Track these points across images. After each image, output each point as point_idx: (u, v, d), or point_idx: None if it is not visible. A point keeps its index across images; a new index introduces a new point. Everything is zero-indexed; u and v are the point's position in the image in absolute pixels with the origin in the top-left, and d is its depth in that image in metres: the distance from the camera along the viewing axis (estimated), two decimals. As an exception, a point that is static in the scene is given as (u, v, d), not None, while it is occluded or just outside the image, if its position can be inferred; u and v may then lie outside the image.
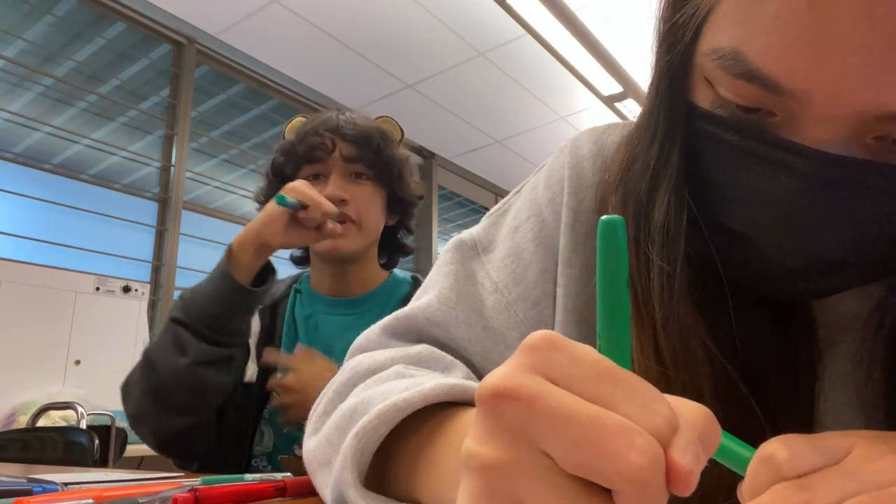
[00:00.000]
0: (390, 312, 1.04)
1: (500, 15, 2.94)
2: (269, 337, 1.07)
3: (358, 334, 1.02)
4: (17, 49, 2.58)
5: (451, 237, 0.56)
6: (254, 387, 1.02)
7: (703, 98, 0.38)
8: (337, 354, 1.03)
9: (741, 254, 0.39)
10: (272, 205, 0.94)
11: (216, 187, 3.20)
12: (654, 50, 0.40)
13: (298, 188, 0.95)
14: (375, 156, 1.06)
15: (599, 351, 0.23)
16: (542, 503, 0.20)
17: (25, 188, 2.41)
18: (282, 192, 0.94)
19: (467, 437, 0.22)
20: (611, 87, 3.54)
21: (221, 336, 0.94)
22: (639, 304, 0.40)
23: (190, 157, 3.00)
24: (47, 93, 2.65)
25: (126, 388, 0.96)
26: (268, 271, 0.99)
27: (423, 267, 4.10)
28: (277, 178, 1.09)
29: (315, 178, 1.06)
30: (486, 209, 0.60)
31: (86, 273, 2.47)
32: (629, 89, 3.53)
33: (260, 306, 1.07)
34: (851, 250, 0.36)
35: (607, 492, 0.20)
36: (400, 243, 1.20)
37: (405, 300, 1.08)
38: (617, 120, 0.53)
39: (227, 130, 3.41)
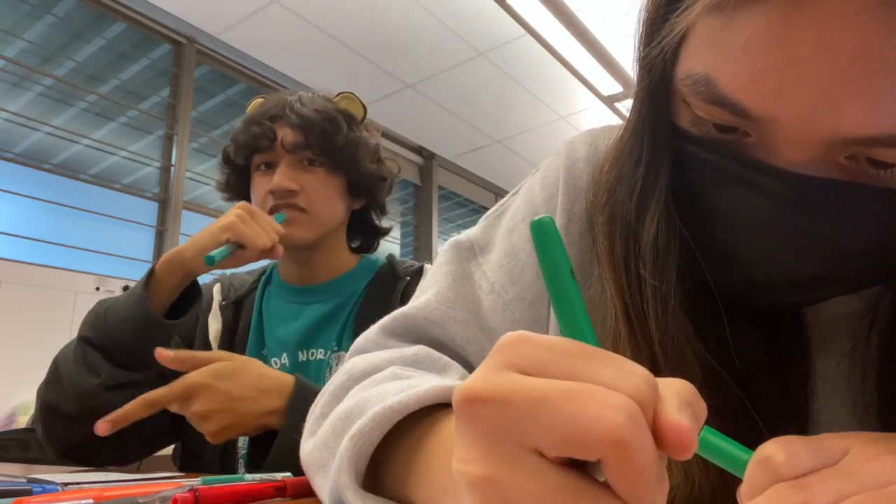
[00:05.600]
0: (356, 297, 1.03)
1: (500, 15, 2.95)
2: (231, 336, 1.01)
3: (319, 321, 1.01)
4: (17, 49, 2.58)
5: (451, 237, 0.56)
6: None
7: (682, 118, 0.39)
8: (311, 342, 1.00)
9: (726, 269, 0.39)
10: (205, 234, 0.88)
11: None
12: (635, 72, 0.41)
13: (237, 228, 0.87)
14: (323, 142, 0.99)
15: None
16: None
17: (25, 188, 2.41)
18: (218, 227, 0.87)
19: (454, 452, 0.23)
20: (611, 87, 3.54)
21: (133, 362, 0.85)
22: (632, 325, 0.41)
23: (190, 157, 3.00)
24: (47, 93, 2.66)
25: (39, 394, 0.88)
26: (193, 294, 0.91)
27: (423, 267, 4.10)
28: (230, 166, 1.05)
29: (267, 167, 1.01)
30: (486, 209, 0.60)
31: (86, 273, 2.47)
32: (629, 89, 3.53)
33: (223, 302, 1.03)
34: (832, 266, 0.37)
35: (599, 483, 0.20)
36: (372, 225, 1.14)
37: (376, 280, 1.05)
38: (617, 120, 0.53)
39: (227, 130, 3.40)
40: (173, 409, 0.77)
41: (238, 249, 0.87)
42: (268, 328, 1.04)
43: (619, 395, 0.20)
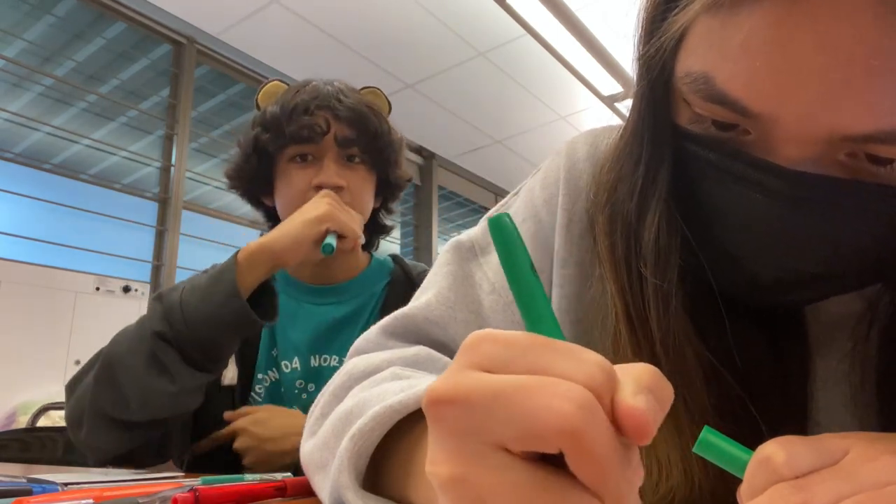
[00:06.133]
0: (377, 298, 1.03)
1: (500, 15, 2.94)
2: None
3: (336, 325, 0.99)
4: (17, 49, 2.58)
5: (451, 237, 0.56)
6: (235, 390, 0.96)
7: (682, 117, 0.39)
8: (326, 347, 0.98)
9: (727, 267, 0.40)
10: (298, 225, 0.84)
11: (216, 187, 3.20)
12: (634, 72, 0.41)
13: (336, 217, 0.85)
14: (372, 140, 0.97)
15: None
16: (504, 502, 0.20)
17: (25, 188, 2.41)
18: (315, 217, 0.84)
19: (427, 455, 0.23)
20: (611, 87, 3.54)
21: (212, 363, 0.82)
22: (633, 324, 0.41)
23: (190, 157, 3.00)
24: (47, 93, 2.66)
25: (73, 388, 0.83)
26: (268, 290, 0.87)
27: (423, 267, 4.10)
28: (258, 154, 0.97)
29: (303, 160, 0.96)
30: (486, 209, 0.60)
31: (86, 273, 2.47)
32: (629, 89, 3.51)
33: None
34: (832, 263, 0.37)
35: (570, 475, 0.20)
36: (381, 224, 1.12)
37: (394, 284, 1.03)
38: (617, 120, 0.53)
39: (227, 130, 3.41)
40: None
41: (339, 239, 0.86)
42: (278, 328, 1.00)
43: (569, 384, 0.20)
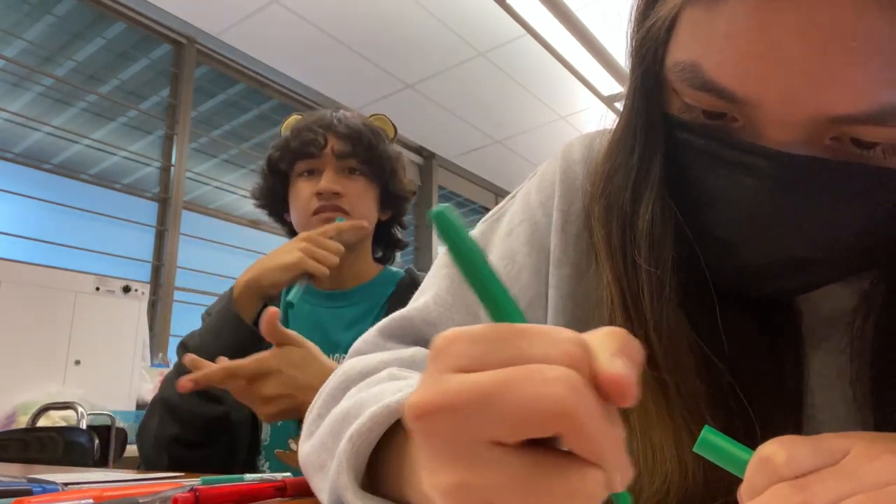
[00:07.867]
0: (380, 305, 1.08)
1: (500, 15, 2.95)
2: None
3: (346, 325, 1.07)
4: (17, 49, 2.59)
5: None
6: None
7: (673, 107, 0.40)
8: (335, 346, 1.05)
9: (719, 255, 0.40)
10: (276, 270, 0.95)
11: (216, 187, 3.20)
12: (628, 64, 0.42)
13: (305, 266, 0.94)
14: (367, 152, 1.08)
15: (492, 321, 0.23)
16: (510, 496, 0.20)
17: (25, 188, 2.41)
18: (289, 261, 0.94)
19: (423, 470, 0.23)
20: (611, 87, 3.54)
21: None
22: (629, 311, 0.41)
23: (190, 157, 3.00)
24: (47, 93, 2.66)
25: (142, 437, 0.98)
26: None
27: (423, 267, 4.08)
28: (273, 173, 1.13)
29: (309, 174, 1.09)
30: (486, 209, 0.60)
31: (86, 273, 2.47)
32: (629, 89, 3.52)
33: None
34: (821, 247, 0.37)
35: (565, 452, 0.21)
36: (394, 238, 1.22)
37: (398, 293, 1.09)
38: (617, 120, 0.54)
39: (227, 130, 3.41)
40: (237, 392, 0.82)
41: (310, 280, 0.99)
42: (297, 331, 1.06)
43: (554, 368, 0.20)
